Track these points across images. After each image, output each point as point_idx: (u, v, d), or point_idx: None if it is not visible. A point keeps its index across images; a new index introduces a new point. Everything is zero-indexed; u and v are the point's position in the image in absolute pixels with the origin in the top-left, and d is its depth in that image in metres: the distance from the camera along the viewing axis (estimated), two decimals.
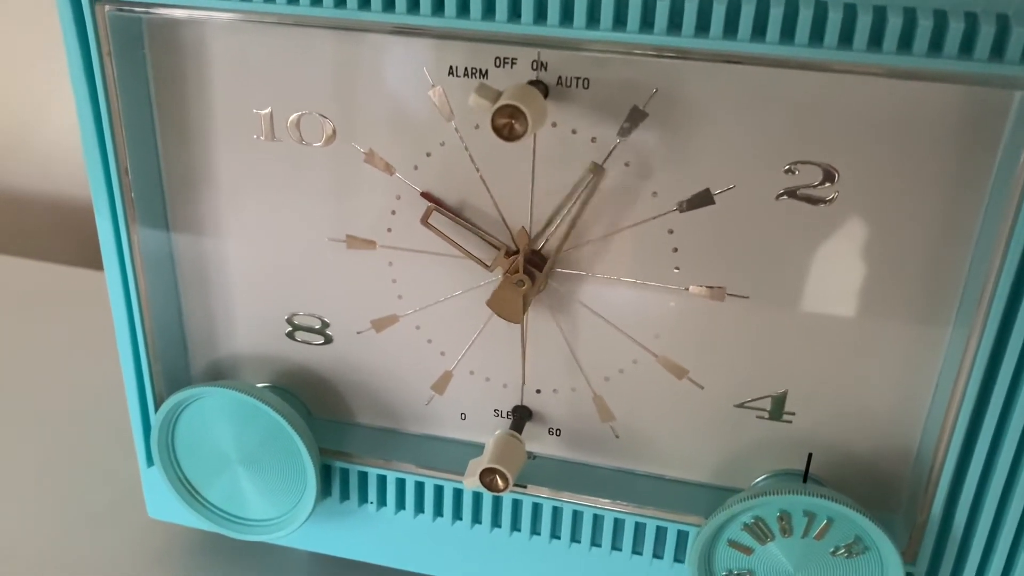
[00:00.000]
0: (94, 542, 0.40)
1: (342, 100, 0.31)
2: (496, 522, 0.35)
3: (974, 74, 0.25)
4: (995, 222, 0.26)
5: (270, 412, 0.33)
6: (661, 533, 0.33)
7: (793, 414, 0.32)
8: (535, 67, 0.29)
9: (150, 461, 0.38)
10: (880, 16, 0.25)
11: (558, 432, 0.34)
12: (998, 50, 0.24)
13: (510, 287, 0.31)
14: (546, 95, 0.29)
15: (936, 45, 0.25)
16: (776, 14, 0.25)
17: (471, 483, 0.32)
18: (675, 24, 0.26)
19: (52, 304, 0.59)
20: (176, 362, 0.36)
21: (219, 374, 0.37)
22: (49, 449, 0.46)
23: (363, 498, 0.36)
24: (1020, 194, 0.25)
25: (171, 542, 0.40)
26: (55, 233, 0.72)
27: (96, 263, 0.38)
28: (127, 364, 0.36)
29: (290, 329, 0.35)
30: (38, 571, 0.39)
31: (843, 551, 0.30)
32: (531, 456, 0.35)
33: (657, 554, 0.34)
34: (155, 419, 0.35)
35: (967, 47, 0.25)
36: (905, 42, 0.25)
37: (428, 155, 0.31)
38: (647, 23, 0.26)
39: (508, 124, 0.26)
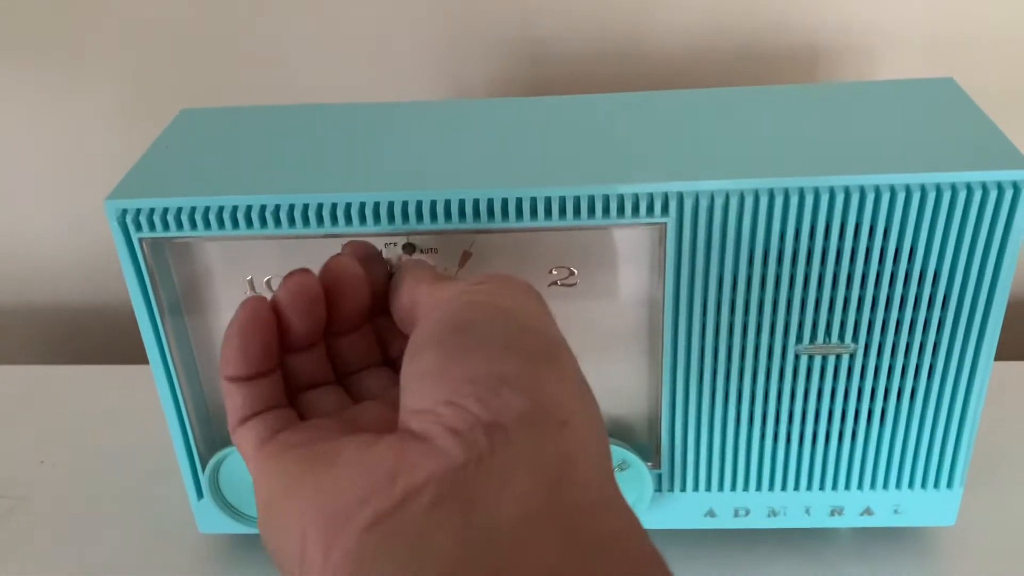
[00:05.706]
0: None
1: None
2: None
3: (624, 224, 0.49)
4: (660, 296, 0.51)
5: None
6: None
7: None
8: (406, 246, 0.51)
9: (200, 496, 0.59)
10: (576, 200, 0.48)
11: None
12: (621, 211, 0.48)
13: None
14: (415, 251, 0.52)
15: (606, 210, 0.49)
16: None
17: None
18: (475, 214, 0.49)
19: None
20: (205, 433, 0.58)
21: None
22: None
23: None
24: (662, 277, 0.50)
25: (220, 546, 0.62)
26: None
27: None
28: (176, 434, 0.57)
29: None
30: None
31: (619, 467, 0.55)
32: None
33: None
34: (207, 470, 0.56)
35: (620, 210, 0.48)
36: (591, 210, 0.49)
37: None
38: (461, 215, 0.49)
39: None
